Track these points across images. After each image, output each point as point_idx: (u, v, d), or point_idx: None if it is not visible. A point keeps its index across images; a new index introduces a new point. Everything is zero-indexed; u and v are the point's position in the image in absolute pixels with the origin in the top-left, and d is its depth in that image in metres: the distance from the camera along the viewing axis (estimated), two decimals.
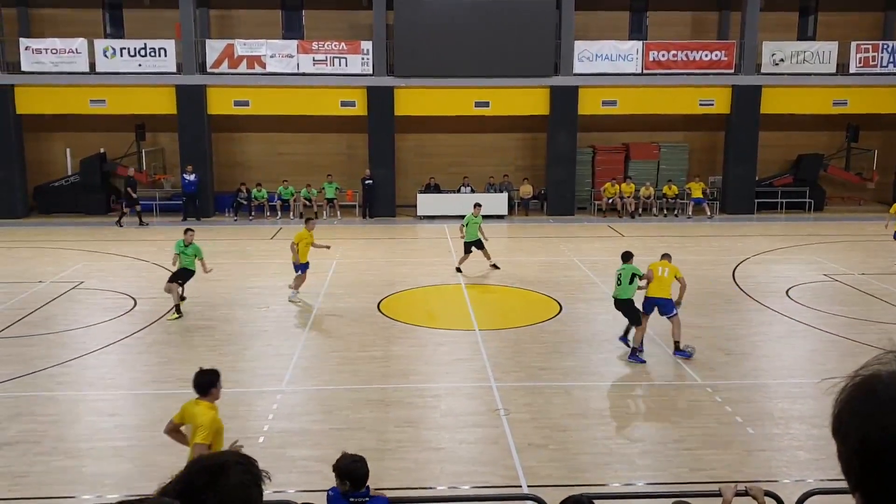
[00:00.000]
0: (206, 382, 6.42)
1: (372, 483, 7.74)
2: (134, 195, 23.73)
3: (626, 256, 12.12)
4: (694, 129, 27.44)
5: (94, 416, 9.79)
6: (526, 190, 26.31)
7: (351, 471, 5.23)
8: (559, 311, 14.46)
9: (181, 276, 14.20)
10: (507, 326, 13.54)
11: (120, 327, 13.47)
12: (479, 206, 17.87)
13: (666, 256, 12.39)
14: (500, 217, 25.36)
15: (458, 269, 17.41)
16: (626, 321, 12.04)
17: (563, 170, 25.69)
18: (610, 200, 25.87)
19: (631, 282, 11.74)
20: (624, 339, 12.08)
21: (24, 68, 24.14)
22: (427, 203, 25.47)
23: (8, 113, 24.24)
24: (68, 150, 26.13)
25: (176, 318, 13.84)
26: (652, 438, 9.08)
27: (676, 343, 11.84)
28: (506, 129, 27.09)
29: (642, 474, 8.22)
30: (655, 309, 11.80)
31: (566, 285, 16.37)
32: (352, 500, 5.24)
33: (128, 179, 24.01)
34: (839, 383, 1.30)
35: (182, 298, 14.25)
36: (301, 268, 15.21)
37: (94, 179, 25.56)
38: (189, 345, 12.58)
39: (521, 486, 7.84)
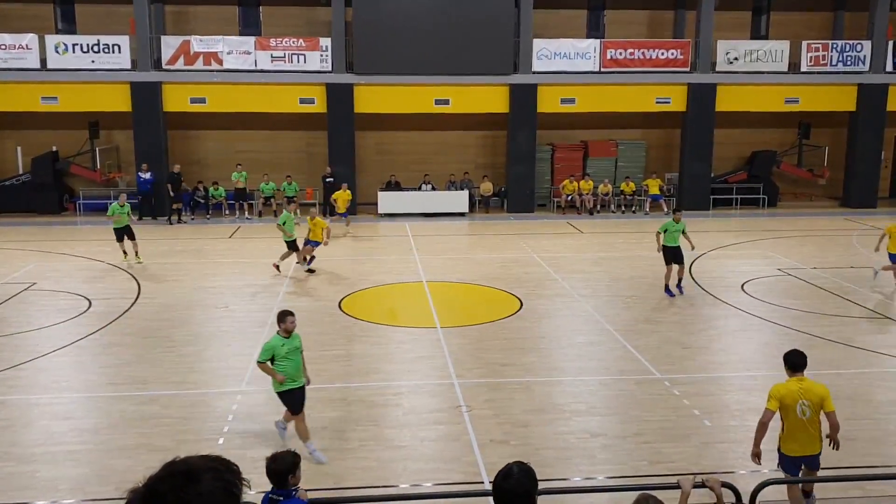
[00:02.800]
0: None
1: (335, 482, 7.71)
2: (172, 194, 23.65)
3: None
4: (651, 126, 27.81)
5: (47, 420, 9.57)
6: (486, 187, 26.41)
7: (268, 469, 5.24)
8: (520, 308, 14.55)
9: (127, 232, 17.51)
10: (468, 323, 13.58)
11: (75, 329, 13.19)
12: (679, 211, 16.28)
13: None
14: (461, 215, 25.41)
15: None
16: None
17: (522, 167, 25.85)
18: (569, 197, 26.10)
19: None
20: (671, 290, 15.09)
21: None
22: (388, 201, 25.41)
23: None
24: (19, 148, 25.47)
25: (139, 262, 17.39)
26: (612, 432, 9.19)
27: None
28: (466, 127, 27.14)
29: (602, 468, 8.32)
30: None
31: (527, 282, 16.48)
32: (271, 496, 5.23)
33: (170, 176, 23.70)
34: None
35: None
36: (312, 243, 17.30)
37: (45, 178, 24.97)
38: (146, 346, 12.36)
39: (483, 483, 7.87)
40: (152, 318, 13.84)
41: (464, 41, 24.44)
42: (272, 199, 25.28)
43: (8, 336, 12.83)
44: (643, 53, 25.66)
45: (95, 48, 23.87)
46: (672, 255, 15.54)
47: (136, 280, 16.55)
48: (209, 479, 1.83)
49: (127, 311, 14.29)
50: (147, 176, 24.08)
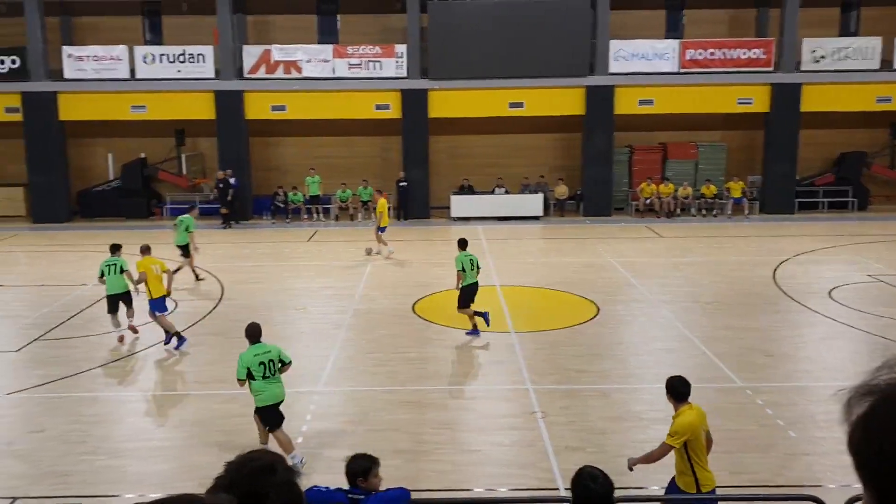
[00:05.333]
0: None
1: (408, 484, 7.75)
2: (228, 199, 24.14)
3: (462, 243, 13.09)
4: (732, 128, 27.03)
5: (135, 417, 9.97)
6: (561, 191, 26.18)
7: (346, 468, 5.35)
8: (596, 314, 14.35)
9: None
10: (543, 329, 13.48)
11: (160, 330, 13.67)
12: None
13: None
14: (536, 218, 25.26)
15: None
16: None
17: (599, 170, 25.51)
18: (648, 200, 25.60)
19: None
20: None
21: (66, 75, 24.68)
22: (461, 204, 25.47)
23: (51, 119, 24.81)
24: (110, 155, 26.64)
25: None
26: None
27: None
28: (540, 130, 26.98)
29: None
30: None
31: (603, 287, 16.24)
32: (350, 496, 5.31)
33: (226, 182, 24.35)
34: (847, 393, 1.24)
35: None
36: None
37: (134, 184, 26.02)
38: (229, 346, 12.70)
39: (558, 489, 7.79)
40: (234, 319, 14.23)
41: (538, 43, 24.32)
42: (348, 204, 25.70)
43: (99, 335, 13.42)
44: (724, 53, 24.98)
45: (181, 58, 24.77)
46: None
47: (219, 282, 17.07)
48: (282, 471, 1.98)
49: (211, 311, 14.75)
50: (232, 182, 24.81)
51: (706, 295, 15.52)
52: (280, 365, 8.57)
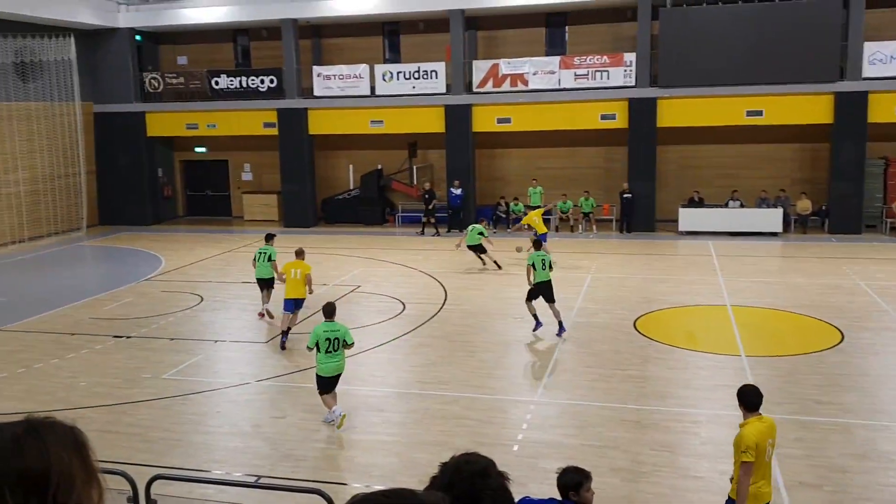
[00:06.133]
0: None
1: None
2: (429, 207, 25.58)
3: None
4: None
5: (364, 410, 10.61)
6: (804, 205, 24.15)
7: (558, 481, 5.30)
8: (840, 340, 13.04)
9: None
10: (778, 353, 12.50)
11: (390, 329, 14.50)
12: None
13: None
14: (774, 235, 23.51)
15: None
16: None
17: (848, 184, 23.21)
18: None
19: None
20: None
21: (315, 93, 27.03)
22: (690, 218, 24.35)
23: (302, 134, 27.28)
24: (350, 166, 28.77)
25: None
26: None
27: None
28: (781, 139, 25.12)
29: None
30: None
31: (849, 312, 14.73)
32: None
33: (431, 192, 25.70)
34: None
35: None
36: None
37: (371, 193, 27.84)
38: (450, 349, 13.18)
39: None
40: (456, 323, 14.72)
41: (781, 48, 22.66)
42: (568, 215, 25.58)
43: None
44: None
45: (416, 75, 26.14)
46: None
47: (443, 287, 17.74)
48: (496, 475, 2.05)
49: (435, 315, 15.37)
50: (458, 192, 25.74)
51: None
52: (344, 344, 9.83)
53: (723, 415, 10.14)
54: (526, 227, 21.89)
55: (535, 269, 13.66)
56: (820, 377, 11.34)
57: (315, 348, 9.79)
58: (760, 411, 6.30)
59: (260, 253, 15.04)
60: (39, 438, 1.49)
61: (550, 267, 13.85)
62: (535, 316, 13.80)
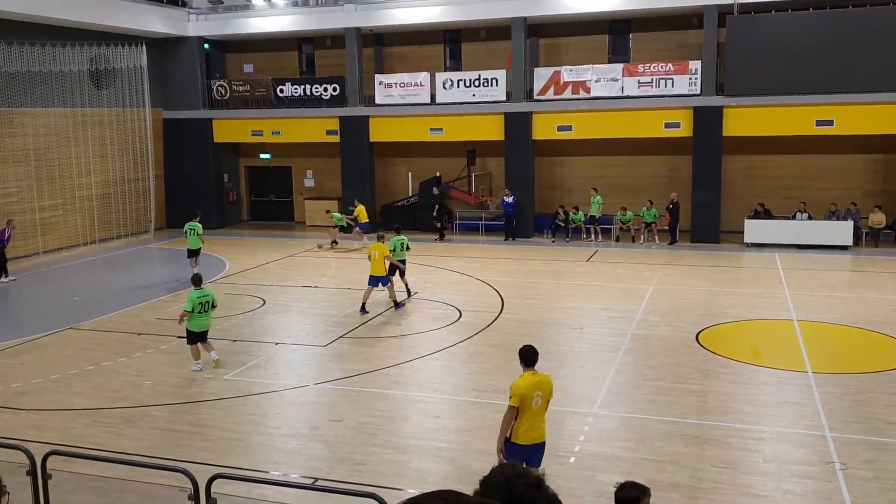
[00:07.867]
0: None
1: None
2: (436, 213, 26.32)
3: None
4: None
5: (420, 417, 10.63)
6: (877, 219, 23.28)
7: (615, 495, 5.17)
8: None
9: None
10: (847, 371, 12.06)
11: (447, 336, 14.50)
12: None
13: None
14: (844, 248, 22.73)
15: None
16: None
17: None
18: None
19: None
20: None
21: (377, 101, 27.30)
22: (756, 229, 23.72)
23: (363, 141, 27.57)
24: (409, 173, 28.94)
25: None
26: None
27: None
28: (852, 150, 24.30)
29: None
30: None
31: None
32: None
33: (441, 200, 26.11)
34: None
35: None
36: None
37: (430, 200, 27.92)
38: (506, 358, 13.08)
39: None
40: (513, 332, 14.63)
41: (853, 56, 21.93)
42: (630, 225, 25.22)
43: (394, 338, 14.58)
44: None
45: (476, 82, 26.16)
46: None
47: (500, 296, 17.67)
48: (546, 487, 2.13)
49: (491, 323, 15.32)
50: (510, 200, 25.64)
51: None
52: (211, 306, 12.54)
53: (788, 432, 9.83)
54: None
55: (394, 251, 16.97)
56: (891, 396, 10.89)
57: (191, 311, 12.30)
58: (536, 368, 7.64)
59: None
60: None
61: (406, 248, 17.74)
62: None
